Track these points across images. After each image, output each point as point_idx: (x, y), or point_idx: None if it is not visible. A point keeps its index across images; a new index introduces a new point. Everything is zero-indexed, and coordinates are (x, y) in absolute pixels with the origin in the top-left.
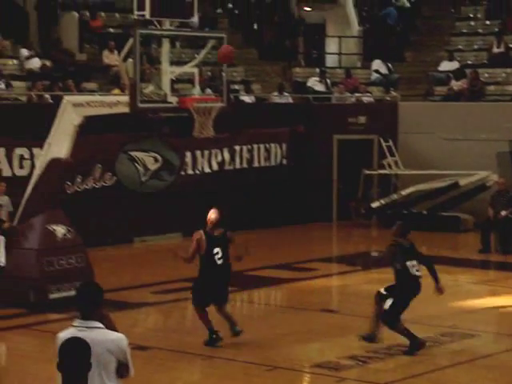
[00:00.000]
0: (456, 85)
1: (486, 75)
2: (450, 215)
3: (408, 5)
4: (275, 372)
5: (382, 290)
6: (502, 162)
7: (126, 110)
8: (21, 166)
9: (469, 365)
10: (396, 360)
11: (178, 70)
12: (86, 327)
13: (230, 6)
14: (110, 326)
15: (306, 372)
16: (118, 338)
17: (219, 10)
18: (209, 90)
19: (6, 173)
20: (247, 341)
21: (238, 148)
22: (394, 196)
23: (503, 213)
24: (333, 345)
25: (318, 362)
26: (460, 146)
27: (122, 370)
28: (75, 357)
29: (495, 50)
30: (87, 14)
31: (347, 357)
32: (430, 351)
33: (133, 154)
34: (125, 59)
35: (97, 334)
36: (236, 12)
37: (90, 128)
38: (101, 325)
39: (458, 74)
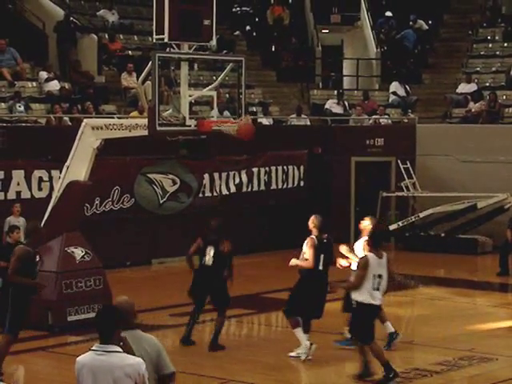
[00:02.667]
0: (474, 107)
1: (504, 97)
2: (467, 237)
3: (426, 27)
4: None
5: None
6: None
7: (144, 132)
8: (39, 188)
9: None
10: None
11: (197, 93)
12: (105, 351)
13: (248, 28)
14: (127, 350)
15: None
16: (136, 362)
17: (237, 33)
18: (227, 113)
19: (25, 195)
20: (265, 363)
21: (255, 170)
22: (412, 218)
23: None
24: (350, 368)
25: None
26: (478, 169)
27: None
28: None
29: None
30: (106, 36)
31: (365, 380)
32: (447, 375)
33: (151, 176)
34: (143, 82)
35: (115, 359)
36: (254, 34)
37: (108, 151)
38: (119, 349)
39: (475, 96)
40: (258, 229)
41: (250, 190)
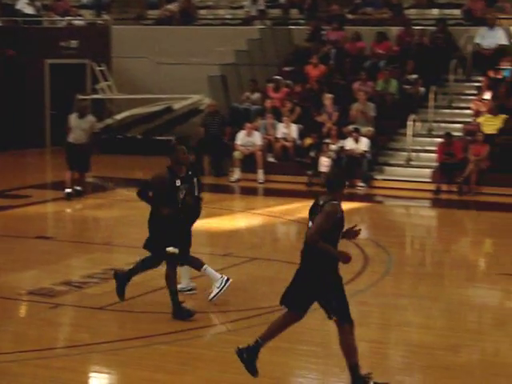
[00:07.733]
0: (168, 9)
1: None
2: (164, 139)
3: None
4: None
5: None
6: (214, 85)
7: None
8: None
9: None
10: (111, 284)
11: None
12: None
13: None
14: None
15: (20, 300)
16: None
17: None
18: None
19: None
20: None
21: None
22: (109, 121)
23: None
24: (48, 272)
25: (33, 289)
26: (173, 71)
27: None
28: None
29: None
30: None
31: (62, 283)
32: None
33: None
34: None
35: None
36: None
37: None
38: None
39: None
40: None
41: None
